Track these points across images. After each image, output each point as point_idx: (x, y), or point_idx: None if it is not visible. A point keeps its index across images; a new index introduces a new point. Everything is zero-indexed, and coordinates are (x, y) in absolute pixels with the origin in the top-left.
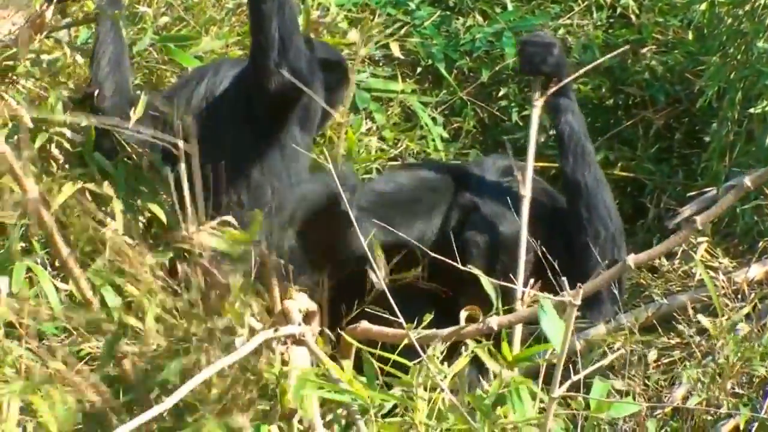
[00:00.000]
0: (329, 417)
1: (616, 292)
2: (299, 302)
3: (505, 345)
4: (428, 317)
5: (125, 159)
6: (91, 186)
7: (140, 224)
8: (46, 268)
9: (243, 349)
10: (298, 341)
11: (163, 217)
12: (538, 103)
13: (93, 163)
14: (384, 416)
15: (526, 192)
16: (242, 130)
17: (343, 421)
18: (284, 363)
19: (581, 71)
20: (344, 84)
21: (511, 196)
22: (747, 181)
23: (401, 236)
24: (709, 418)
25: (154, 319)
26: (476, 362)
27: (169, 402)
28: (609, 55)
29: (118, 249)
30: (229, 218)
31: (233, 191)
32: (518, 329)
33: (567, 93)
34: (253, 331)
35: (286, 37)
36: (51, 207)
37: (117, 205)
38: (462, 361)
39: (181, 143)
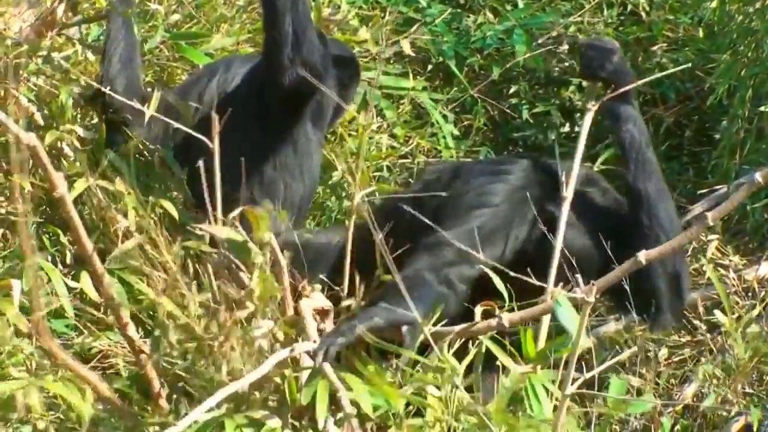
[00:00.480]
0: (339, 415)
1: (678, 300)
2: (314, 301)
3: (528, 340)
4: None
5: (137, 156)
6: (103, 183)
7: (153, 221)
8: (56, 266)
9: (262, 368)
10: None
11: (175, 214)
12: (592, 107)
13: (105, 160)
14: (394, 415)
15: (568, 194)
16: (255, 126)
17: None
18: (294, 361)
19: (641, 81)
20: (356, 81)
21: (593, 207)
22: (758, 176)
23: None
24: (723, 414)
25: (172, 314)
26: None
27: (198, 412)
28: (672, 70)
29: (147, 234)
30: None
31: (245, 188)
32: (545, 324)
33: (628, 100)
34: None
35: (300, 31)
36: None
37: (129, 202)
38: (472, 354)
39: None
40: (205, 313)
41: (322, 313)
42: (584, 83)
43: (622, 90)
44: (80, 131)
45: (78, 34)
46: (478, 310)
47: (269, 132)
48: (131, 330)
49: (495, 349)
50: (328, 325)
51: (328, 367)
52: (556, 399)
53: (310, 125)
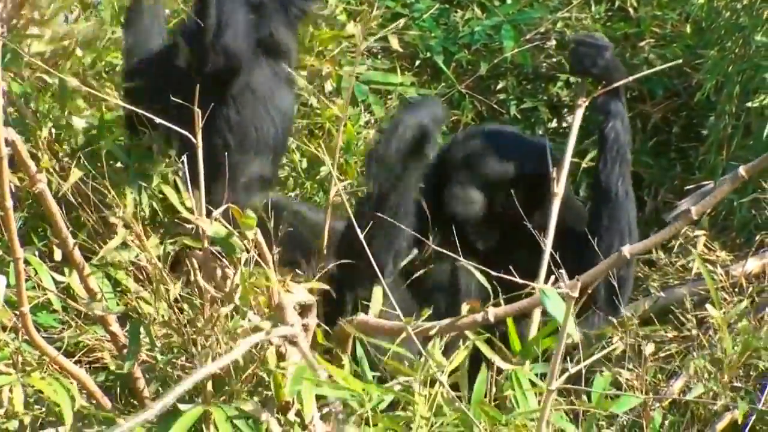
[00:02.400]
0: (325, 410)
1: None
2: (296, 295)
3: (513, 336)
4: (426, 312)
5: (137, 143)
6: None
7: (147, 210)
8: (44, 261)
9: (236, 351)
10: (291, 342)
11: (175, 201)
12: (582, 104)
13: (107, 147)
14: (382, 411)
15: (559, 190)
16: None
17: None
18: (280, 356)
19: (632, 77)
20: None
21: None
22: (741, 170)
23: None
24: (711, 408)
25: (157, 309)
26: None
27: (171, 396)
28: (660, 66)
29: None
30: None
31: (218, 135)
32: (536, 319)
33: (619, 97)
34: (252, 324)
35: (224, 18)
36: (60, 192)
37: (129, 190)
38: (461, 354)
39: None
40: (190, 308)
41: (305, 308)
42: (572, 79)
43: (614, 86)
44: (75, 121)
45: (65, 24)
46: (465, 307)
47: (221, 86)
48: (114, 325)
49: (482, 346)
50: (311, 320)
51: (304, 345)
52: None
53: (269, 63)
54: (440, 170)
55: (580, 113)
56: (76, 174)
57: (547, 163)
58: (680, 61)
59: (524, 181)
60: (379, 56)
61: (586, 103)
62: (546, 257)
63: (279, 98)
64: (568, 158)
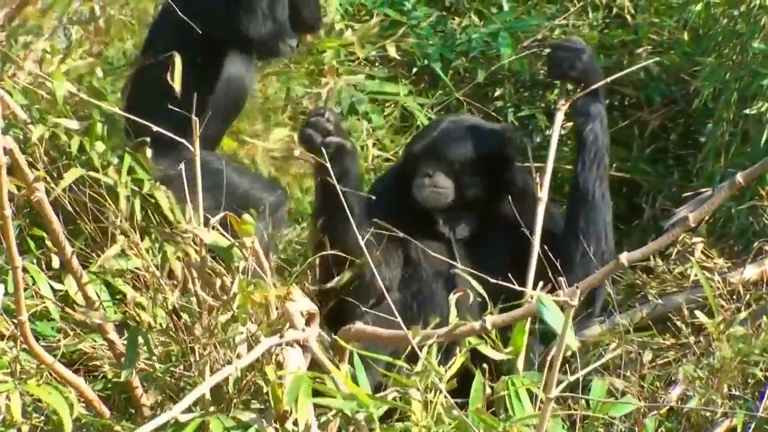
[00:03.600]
0: (323, 419)
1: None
2: (300, 305)
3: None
4: (434, 321)
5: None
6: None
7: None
8: (41, 269)
9: (251, 355)
10: (303, 347)
11: (165, 204)
12: (562, 107)
13: (101, 149)
14: (379, 420)
15: (543, 195)
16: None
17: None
18: (278, 365)
19: (610, 78)
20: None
21: None
22: (739, 177)
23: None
24: (708, 416)
25: (157, 318)
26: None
27: (182, 405)
28: (650, 61)
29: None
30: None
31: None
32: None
33: (599, 100)
34: (250, 333)
35: None
36: (52, 194)
37: (122, 191)
38: (459, 361)
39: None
40: (189, 316)
41: (309, 318)
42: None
43: (592, 88)
44: (71, 124)
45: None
46: (453, 297)
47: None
48: (112, 333)
49: (482, 348)
50: (314, 329)
51: (316, 349)
52: (540, 401)
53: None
54: (407, 165)
55: (560, 117)
56: (72, 174)
57: (507, 142)
58: (654, 60)
59: (489, 163)
60: (377, 64)
61: (566, 107)
62: (533, 262)
63: (238, 73)
64: (550, 163)
